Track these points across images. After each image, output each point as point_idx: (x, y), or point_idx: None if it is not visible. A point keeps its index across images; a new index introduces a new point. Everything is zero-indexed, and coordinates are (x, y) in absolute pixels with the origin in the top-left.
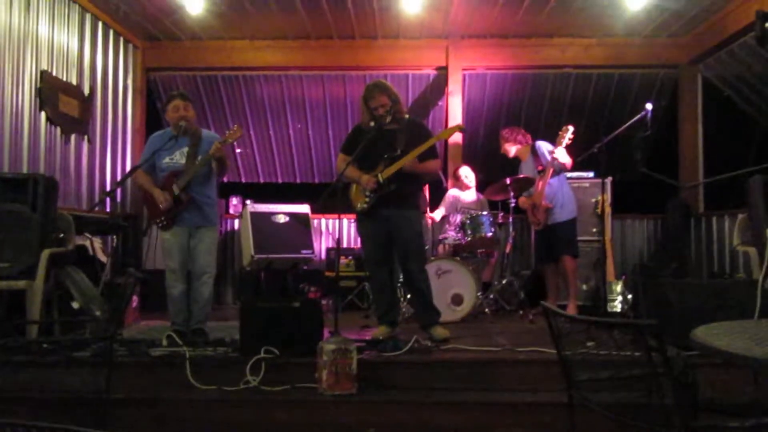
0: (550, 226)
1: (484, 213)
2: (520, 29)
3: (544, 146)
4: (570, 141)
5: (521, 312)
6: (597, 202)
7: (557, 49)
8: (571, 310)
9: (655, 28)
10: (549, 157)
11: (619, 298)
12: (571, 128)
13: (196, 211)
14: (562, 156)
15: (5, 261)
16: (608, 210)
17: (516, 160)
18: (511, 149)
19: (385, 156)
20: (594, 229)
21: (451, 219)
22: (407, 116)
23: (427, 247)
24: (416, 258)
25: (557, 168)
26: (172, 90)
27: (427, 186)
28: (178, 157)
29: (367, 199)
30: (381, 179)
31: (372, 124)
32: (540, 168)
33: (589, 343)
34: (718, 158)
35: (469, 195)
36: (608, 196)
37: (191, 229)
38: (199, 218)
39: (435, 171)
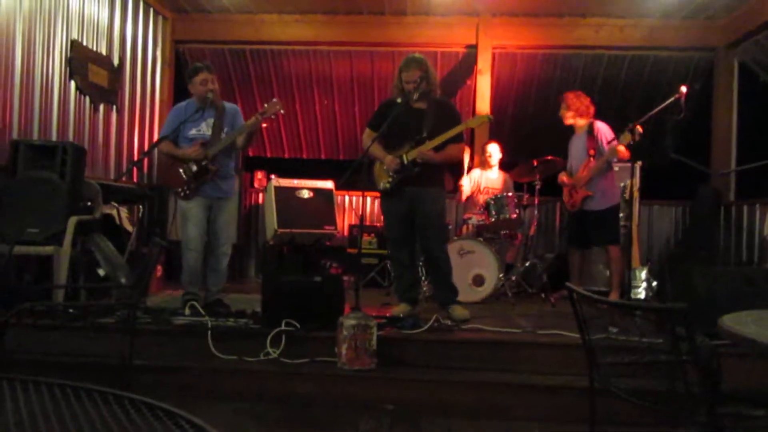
0: (587, 211)
1: (509, 194)
2: (553, 7)
3: (603, 130)
4: (634, 141)
5: (543, 295)
6: (625, 186)
7: (590, 29)
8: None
9: (693, 9)
10: (605, 146)
11: (644, 284)
12: (640, 130)
13: (217, 183)
14: (621, 153)
15: (33, 227)
16: (636, 195)
17: (546, 140)
18: (569, 116)
19: (415, 138)
20: (621, 215)
21: (474, 199)
22: (438, 96)
23: (450, 227)
24: (436, 236)
25: (609, 161)
26: (198, 62)
27: None
28: (204, 129)
29: (389, 179)
30: (405, 161)
31: (399, 100)
32: (591, 152)
33: (612, 329)
34: (751, 146)
35: (493, 173)
36: (637, 181)
37: (212, 200)
38: (218, 190)
39: (457, 157)
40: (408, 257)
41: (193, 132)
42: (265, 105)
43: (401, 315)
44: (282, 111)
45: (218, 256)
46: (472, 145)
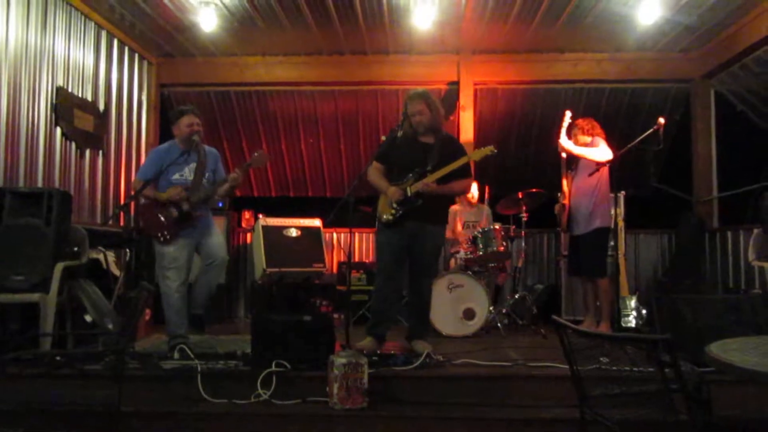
0: (576, 236)
1: (496, 227)
2: (532, 44)
3: (599, 142)
4: (570, 124)
5: (534, 327)
6: (610, 216)
7: (569, 64)
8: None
9: (667, 42)
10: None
11: (633, 313)
12: (568, 113)
13: (200, 224)
14: (568, 146)
15: (20, 274)
16: (621, 224)
17: (530, 172)
18: (586, 140)
19: (416, 170)
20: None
21: (456, 234)
22: (444, 132)
23: (439, 262)
24: (430, 273)
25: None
26: (183, 105)
27: None
28: (187, 173)
29: (393, 211)
30: (409, 193)
31: (399, 133)
32: (596, 165)
33: (604, 359)
34: (732, 173)
35: (470, 209)
36: (621, 211)
37: (197, 239)
38: (203, 228)
39: (464, 190)
40: (392, 293)
41: (176, 176)
42: (255, 154)
43: (364, 350)
44: (265, 162)
45: (216, 274)
46: None
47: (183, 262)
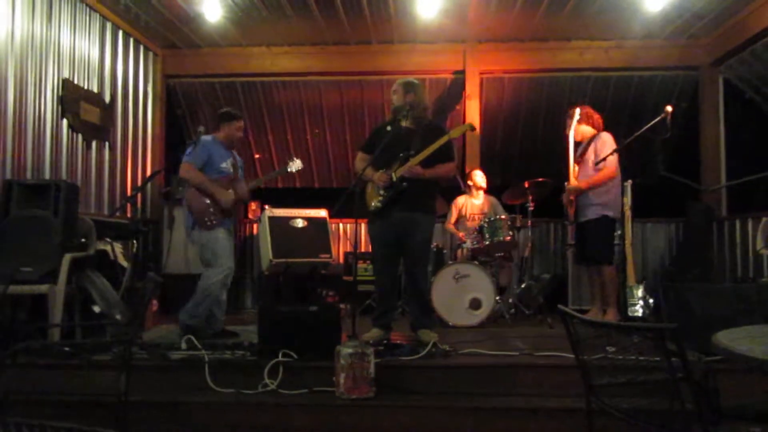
0: (582, 223)
1: (502, 216)
2: (538, 32)
3: (607, 140)
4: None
5: (540, 316)
6: (618, 205)
7: (575, 52)
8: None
9: (675, 29)
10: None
11: (641, 302)
12: (578, 110)
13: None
14: (580, 185)
15: (28, 265)
16: (628, 213)
17: (537, 162)
18: (585, 130)
19: (400, 155)
20: (617, 233)
21: (461, 226)
22: (429, 119)
23: (445, 251)
24: (422, 262)
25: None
26: (233, 109)
27: None
28: (228, 165)
29: (380, 198)
30: (394, 177)
31: (389, 128)
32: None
33: (610, 348)
34: (740, 161)
35: (477, 200)
36: (628, 200)
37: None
38: (228, 222)
39: (448, 174)
40: (389, 283)
41: (224, 165)
42: (294, 163)
43: (371, 341)
44: (299, 168)
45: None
46: (462, 172)
47: (227, 251)
